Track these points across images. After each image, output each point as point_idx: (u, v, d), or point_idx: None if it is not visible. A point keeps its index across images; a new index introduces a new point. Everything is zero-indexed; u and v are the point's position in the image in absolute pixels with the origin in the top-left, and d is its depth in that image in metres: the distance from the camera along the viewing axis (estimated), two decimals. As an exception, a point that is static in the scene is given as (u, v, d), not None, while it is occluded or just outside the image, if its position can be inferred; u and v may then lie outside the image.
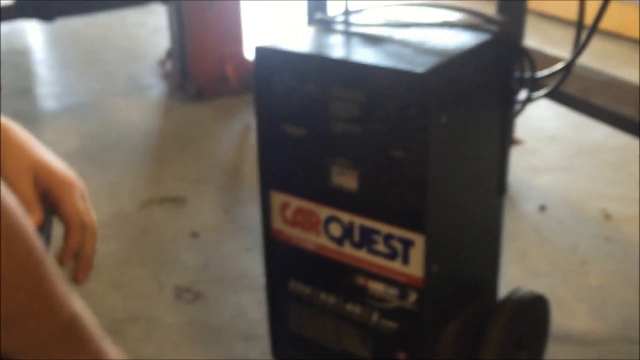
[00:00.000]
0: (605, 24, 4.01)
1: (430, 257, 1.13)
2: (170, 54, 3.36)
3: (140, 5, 3.22)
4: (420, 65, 1.04)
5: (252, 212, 2.12)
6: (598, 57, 3.54)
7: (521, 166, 2.46)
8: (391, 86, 1.05)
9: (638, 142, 2.62)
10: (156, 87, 3.24)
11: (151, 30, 4.03)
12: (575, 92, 1.56)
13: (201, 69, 3.10)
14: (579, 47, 1.13)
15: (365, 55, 1.12)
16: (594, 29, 1.12)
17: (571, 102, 1.59)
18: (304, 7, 2.11)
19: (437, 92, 1.04)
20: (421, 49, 1.13)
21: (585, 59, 1.92)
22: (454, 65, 1.09)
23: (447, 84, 1.07)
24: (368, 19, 1.27)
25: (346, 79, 1.10)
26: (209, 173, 2.44)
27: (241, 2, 3.09)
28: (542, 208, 2.18)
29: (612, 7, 4.07)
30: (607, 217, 2.13)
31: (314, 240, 1.26)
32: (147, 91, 3.19)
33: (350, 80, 1.10)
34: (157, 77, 3.35)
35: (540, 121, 2.89)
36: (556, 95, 1.60)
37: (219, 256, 1.97)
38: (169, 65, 3.37)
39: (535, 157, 2.54)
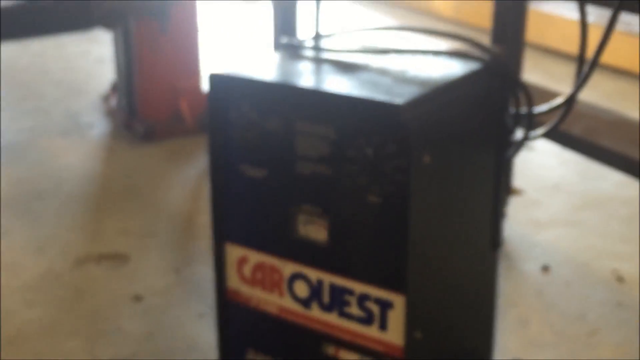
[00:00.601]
0: (617, 60, 4.12)
1: (412, 322, 1.11)
2: (115, 88, 3.36)
3: (81, 31, 3.22)
4: (399, 95, 1.04)
5: (207, 272, 2.08)
6: (609, 97, 3.61)
7: (521, 220, 2.46)
8: (366, 120, 1.05)
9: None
10: (98, 126, 3.22)
11: (94, 61, 4.03)
12: (580, 132, 1.57)
13: (151, 105, 3.09)
14: (580, 79, 1.15)
15: (336, 84, 1.12)
16: (596, 59, 1.14)
17: (575, 144, 1.60)
18: (271, 32, 2.12)
19: (419, 127, 1.04)
20: (401, 78, 1.14)
21: (595, 98, 1.95)
22: (438, 96, 1.09)
23: (430, 117, 1.07)
24: (342, 45, 1.27)
25: (314, 111, 1.10)
26: (156, 226, 2.40)
27: (199, 29, 3.11)
28: (545, 268, 2.18)
29: (624, 43, 4.18)
30: (620, 279, 2.13)
31: (277, 302, 1.23)
32: (87, 130, 3.17)
33: (319, 114, 1.10)
34: (100, 114, 3.33)
35: (542, 169, 2.91)
36: (558, 136, 1.61)
37: (165, 324, 1.92)
38: (114, 101, 3.36)
39: (537, 209, 2.55)
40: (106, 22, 2.96)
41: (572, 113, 1.56)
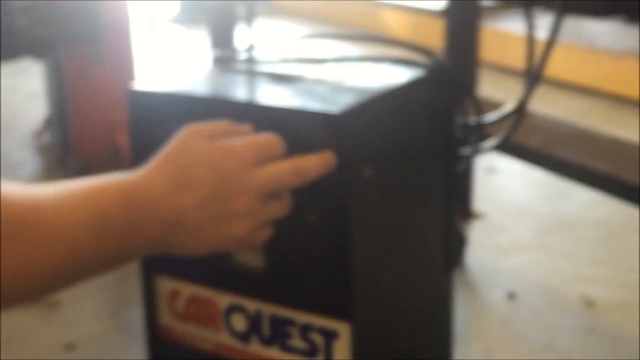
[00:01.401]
0: (580, 78, 4.18)
1: (359, 352, 1.08)
2: (48, 123, 3.31)
3: (7, 62, 3.17)
4: (335, 104, 1.02)
5: (146, 314, 2.03)
6: (574, 115, 3.65)
7: (484, 246, 2.45)
8: (299, 132, 1.03)
9: (621, 214, 2.66)
10: (29, 164, 3.16)
11: (26, 96, 3.97)
12: (538, 145, 1.57)
13: (86, 139, 3.04)
14: (530, 83, 1.14)
15: (268, 96, 1.09)
16: (545, 59, 1.13)
17: (533, 157, 1.60)
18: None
19: (358, 138, 1.01)
20: (338, 88, 1.12)
21: (559, 117, 1.95)
22: (378, 105, 1.07)
23: (370, 127, 1.05)
24: (277, 56, 1.26)
25: (244, 124, 1.07)
26: (92, 267, 2.34)
27: (135, 56, 3.08)
28: (511, 296, 2.16)
29: (587, 60, 4.24)
30: (590, 304, 2.12)
31: (213, 338, 1.19)
32: (17, 169, 3.11)
33: (251, 125, 1.07)
34: (32, 151, 3.27)
35: (505, 191, 2.92)
36: (514, 149, 1.61)
37: (101, 373, 1.86)
38: (46, 137, 3.31)
39: (501, 234, 2.55)
40: (34, 51, 2.92)
41: (529, 126, 1.56)
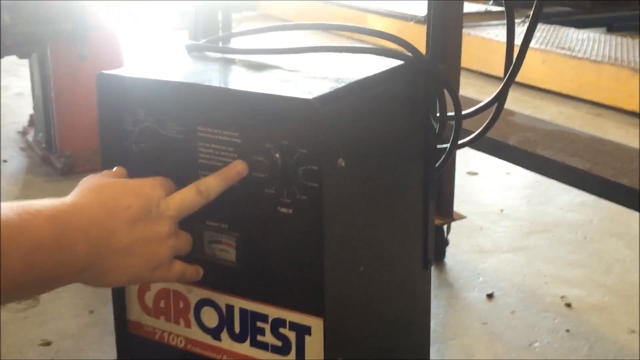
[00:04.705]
0: (562, 86, 4.12)
1: (331, 349, 1.01)
2: (32, 121, 3.23)
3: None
4: (309, 91, 0.95)
5: (124, 311, 1.96)
6: (555, 120, 3.59)
7: (464, 247, 2.39)
8: (272, 120, 0.96)
9: (597, 217, 2.61)
10: (13, 161, 3.08)
11: (13, 95, 3.90)
12: (517, 143, 1.51)
13: (71, 137, 2.97)
14: (508, 73, 1.08)
15: (240, 82, 1.03)
16: (524, 49, 1.07)
17: (514, 155, 1.53)
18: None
19: (332, 125, 0.95)
20: (313, 76, 1.05)
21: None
22: (354, 93, 1.01)
23: (345, 115, 0.98)
24: (252, 45, 1.19)
25: (216, 114, 1.01)
26: (72, 264, 2.27)
27: (122, 56, 3.01)
28: (490, 297, 2.11)
29: (568, 67, 4.18)
30: (568, 306, 2.07)
31: (183, 334, 1.12)
32: (0, 166, 3.03)
33: (222, 116, 1.00)
34: (17, 149, 3.19)
35: (485, 194, 2.86)
36: (493, 148, 1.55)
37: (77, 370, 1.79)
38: (32, 135, 3.23)
39: (481, 236, 2.49)
40: (19, 49, 2.84)
41: (510, 124, 1.50)
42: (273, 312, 1.04)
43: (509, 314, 2.03)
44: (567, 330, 1.95)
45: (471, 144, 1.18)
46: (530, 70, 3.89)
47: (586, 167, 1.35)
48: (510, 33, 1.09)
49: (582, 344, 1.90)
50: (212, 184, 0.97)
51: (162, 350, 1.14)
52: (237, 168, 0.99)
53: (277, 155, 0.97)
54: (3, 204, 0.81)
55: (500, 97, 1.13)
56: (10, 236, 0.78)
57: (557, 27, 4.81)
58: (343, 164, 0.98)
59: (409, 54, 1.10)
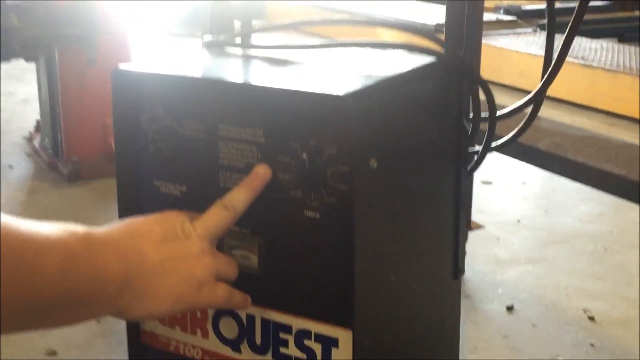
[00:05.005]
0: (576, 96, 4.05)
1: (360, 362, 0.94)
2: (39, 127, 3.18)
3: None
4: (340, 88, 0.89)
5: (133, 321, 1.90)
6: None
7: (482, 257, 2.33)
8: (300, 118, 0.90)
9: (617, 228, 2.54)
10: (19, 167, 3.02)
11: (20, 101, 3.84)
12: (547, 148, 1.44)
13: (78, 142, 2.92)
14: (548, 72, 1.02)
15: (265, 79, 0.97)
16: (565, 49, 1.01)
17: (543, 161, 1.47)
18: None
19: (364, 124, 0.88)
20: (342, 72, 0.99)
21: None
22: (386, 90, 0.95)
23: (377, 114, 0.92)
24: (275, 41, 1.13)
25: (239, 111, 0.94)
26: (79, 272, 2.21)
27: (132, 60, 2.95)
28: (510, 309, 2.04)
29: (582, 77, 4.10)
30: (591, 319, 2.00)
31: (200, 345, 1.06)
32: (6, 172, 2.97)
33: (245, 114, 0.94)
34: (23, 155, 3.14)
35: (501, 203, 2.80)
36: (523, 153, 1.48)
37: (83, 382, 1.73)
38: (38, 141, 3.17)
39: (499, 246, 2.42)
40: (27, 53, 2.79)
41: (538, 130, 1.44)
42: (297, 322, 0.98)
43: (530, 327, 1.97)
44: (592, 345, 1.88)
45: (505, 146, 1.11)
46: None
47: (622, 172, 1.29)
48: (551, 30, 1.03)
49: (608, 358, 1.82)
50: (236, 197, 0.92)
51: (177, 362, 1.08)
52: (260, 174, 0.93)
53: (304, 155, 0.91)
54: (18, 220, 0.75)
55: (537, 98, 1.06)
56: (42, 242, 0.73)
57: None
58: (375, 165, 0.91)
59: (442, 51, 1.03)
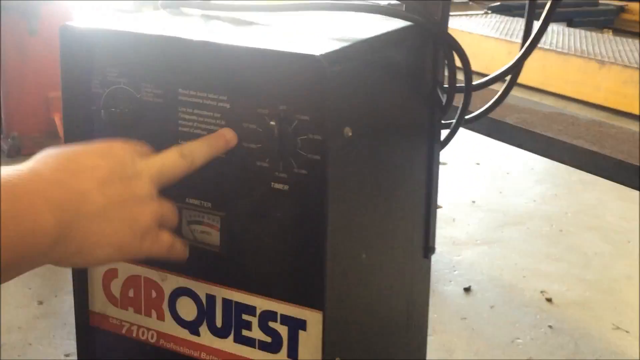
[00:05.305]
0: (528, 78, 4.04)
1: (332, 347, 0.88)
2: (-23, 100, 3.03)
3: None
4: (314, 48, 0.82)
5: (78, 302, 1.81)
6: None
7: (438, 238, 2.27)
8: (269, 81, 0.83)
9: (571, 209, 2.53)
10: (-44, 143, 2.88)
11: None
12: (516, 124, 1.40)
13: (19, 117, 2.79)
14: (529, 41, 0.96)
15: (230, 38, 0.89)
16: (549, 15, 0.96)
17: (513, 137, 1.43)
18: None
19: (340, 88, 0.81)
20: (313, 33, 0.92)
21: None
22: (361, 53, 0.88)
23: (352, 78, 0.85)
24: (238, 3, 1.05)
25: (201, 73, 0.87)
26: (20, 251, 2.10)
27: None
28: (468, 290, 2.00)
29: (535, 60, 4.10)
30: (549, 301, 1.97)
31: (155, 328, 0.98)
32: (-58, 147, 2.83)
33: (208, 76, 0.86)
34: (-40, 130, 2.99)
35: (455, 184, 2.76)
36: (492, 129, 1.43)
37: (25, 366, 1.63)
38: (-24, 115, 3.03)
39: (455, 227, 2.39)
40: (-35, 21, 2.64)
41: (502, 106, 1.39)
42: (262, 303, 0.91)
43: (489, 308, 1.93)
44: (550, 327, 1.86)
45: (479, 119, 1.06)
46: (496, 62, 3.81)
47: (594, 149, 1.25)
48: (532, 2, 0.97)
49: (567, 340, 1.80)
50: (197, 149, 0.83)
51: (130, 345, 1.00)
52: (226, 136, 0.85)
53: (273, 123, 0.84)
54: None
55: (515, 69, 1.01)
56: None
57: (519, 19, 4.75)
58: (350, 134, 0.84)
59: (418, 14, 0.97)
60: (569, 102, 3.79)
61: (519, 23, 4.62)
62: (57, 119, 2.79)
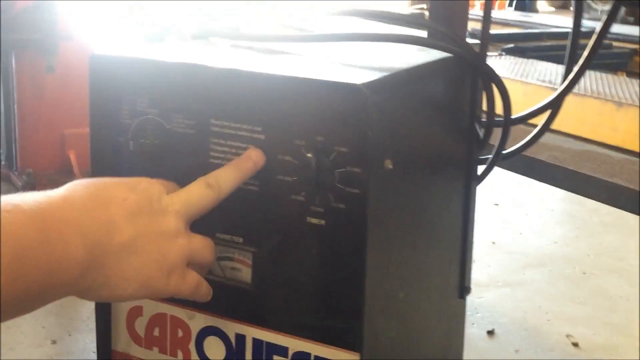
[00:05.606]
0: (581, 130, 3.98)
1: (368, 390, 0.83)
2: (-7, 137, 3.01)
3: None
4: (354, 77, 0.79)
5: (92, 342, 1.76)
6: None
7: (458, 280, 2.24)
8: (306, 112, 0.79)
9: (593, 251, 2.48)
10: (-30, 179, 2.85)
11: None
12: (550, 162, 1.36)
13: (34, 154, 2.77)
14: (571, 77, 0.93)
15: (265, 67, 0.86)
16: (593, 52, 0.93)
17: (548, 175, 1.39)
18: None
19: (381, 119, 0.78)
20: (350, 63, 0.89)
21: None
22: (402, 83, 0.85)
23: (393, 109, 0.82)
24: (271, 32, 1.02)
25: (235, 103, 0.84)
26: (33, 289, 2.06)
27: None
28: (491, 334, 1.95)
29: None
30: (575, 345, 1.92)
31: (181, 369, 0.94)
32: (-44, 184, 2.80)
33: (241, 106, 0.83)
34: (-26, 166, 2.97)
35: (475, 225, 2.72)
36: (525, 166, 1.40)
37: (38, 408, 1.59)
38: (-9, 152, 3.01)
39: (475, 268, 2.33)
40: (-18, 57, 2.63)
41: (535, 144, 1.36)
42: (294, 344, 0.86)
43: (513, 352, 1.87)
44: (577, 372, 1.80)
45: (516, 154, 1.02)
46: (512, 102, 3.79)
47: (631, 186, 1.22)
48: (575, 34, 0.95)
49: (596, 387, 1.74)
50: (223, 176, 0.81)
51: (153, 388, 0.96)
52: (253, 158, 0.82)
53: (310, 155, 0.80)
54: None
55: (555, 104, 0.97)
56: None
57: (535, 61, 4.74)
58: (390, 167, 0.81)
59: (456, 45, 0.94)
60: (585, 144, 3.75)
61: (534, 65, 4.60)
62: (73, 156, 2.76)
